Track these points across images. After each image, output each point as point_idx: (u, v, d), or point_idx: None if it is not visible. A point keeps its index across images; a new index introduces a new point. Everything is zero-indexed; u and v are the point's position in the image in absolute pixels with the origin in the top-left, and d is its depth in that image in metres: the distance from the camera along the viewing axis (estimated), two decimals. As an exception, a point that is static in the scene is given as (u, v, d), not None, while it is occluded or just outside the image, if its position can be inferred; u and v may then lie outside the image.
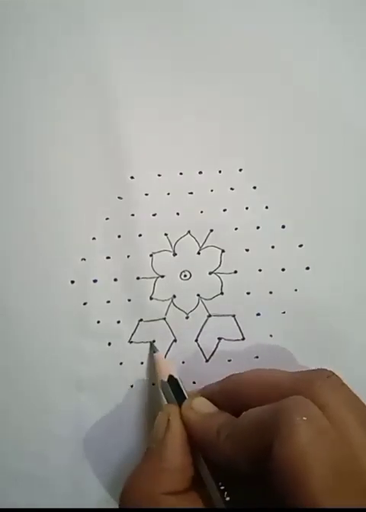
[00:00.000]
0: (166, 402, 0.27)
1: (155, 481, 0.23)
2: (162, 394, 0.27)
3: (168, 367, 0.28)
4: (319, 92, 0.33)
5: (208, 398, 0.26)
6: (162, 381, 0.27)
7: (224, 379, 0.26)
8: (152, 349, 0.30)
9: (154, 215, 0.32)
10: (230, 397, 0.25)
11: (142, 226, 0.32)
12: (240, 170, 0.32)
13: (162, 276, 0.31)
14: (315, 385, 0.22)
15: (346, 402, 0.22)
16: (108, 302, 0.31)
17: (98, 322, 0.31)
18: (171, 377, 0.27)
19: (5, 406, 0.30)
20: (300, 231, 0.31)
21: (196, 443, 0.24)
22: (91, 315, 0.31)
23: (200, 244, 0.31)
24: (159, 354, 0.29)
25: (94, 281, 0.32)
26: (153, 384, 0.30)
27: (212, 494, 0.23)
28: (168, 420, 0.25)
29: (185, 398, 0.26)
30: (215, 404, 0.25)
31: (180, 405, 0.26)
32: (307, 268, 0.30)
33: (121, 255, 0.32)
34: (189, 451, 0.24)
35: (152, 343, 0.30)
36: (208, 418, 0.24)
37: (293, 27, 0.34)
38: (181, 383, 0.27)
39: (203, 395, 0.26)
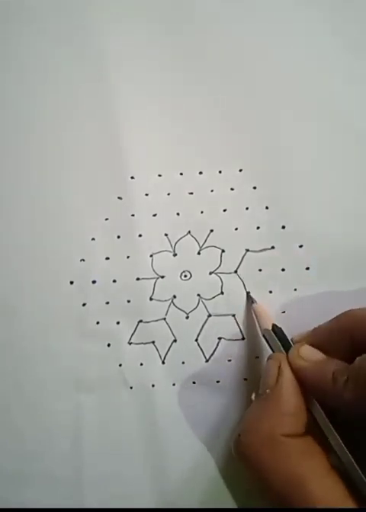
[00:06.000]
0: (271, 351, 0.27)
1: (276, 423, 0.23)
2: (266, 343, 0.28)
3: (270, 317, 0.28)
4: (319, 92, 0.33)
5: (313, 345, 0.26)
6: (265, 329, 0.28)
7: (338, 316, 0.26)
8: (250, 300, 0.30)
9: (154, 215, 0.32)
10: (342, 336, 0.25)
11: (142, 226, 0.32)
12: (240, 170, 0.32)
13: (162, 277, 0.31)
14: None
15: None
16: (107, 303, 0.31)
17: (98, 323, 0.31)
18: (274, 326, 0.27)
19: (4, 406, 0.30)
20: (300, 231, 0.31)
21: (309, 390, 0.24)
22: (91, 316, 0.31)
23: (201, 245, 0.31)
24: (259, 305, 0.29)
25: (94, 282, 0.31)
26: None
27: (330, 437, 0.23)
28: (279, 366, 0.25)
29: (290, 345, 0.26)
30: (321, 350, 0.25)
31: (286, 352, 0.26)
32: (307, 268, 0.30)
33: (121, 256, 0.32)
34: (302, 396, 0.24)
35: (248, 294, 0.30)
36: (320, 365, 0.24)
37: (293, 27, 0.34)
38: (284, 332, 0.27)
39: (308, 342, 0.26)
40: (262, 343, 0.29)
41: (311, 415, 0.24)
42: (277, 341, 0.27)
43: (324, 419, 0.24)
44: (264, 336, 0.28)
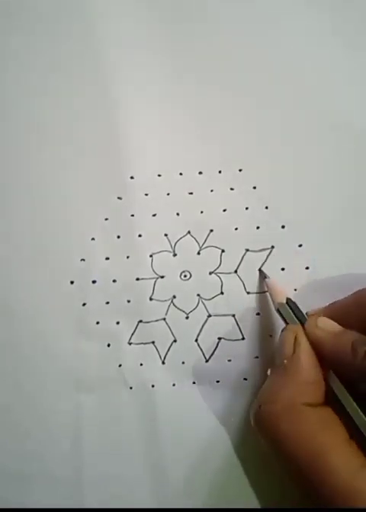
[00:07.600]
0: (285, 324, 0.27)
1: (296, 392, 0.23)
2: (280, 316, 0.27)
3: (284, 291, 0.28)
4: (319, 92, 0.33)
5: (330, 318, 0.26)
6: (280, 303, 0.27)
7: (355, 292, 0.26)
8: (263, 275, 0.30)
9: (154, 215, 0.32)
10: (359, 311, 0.25)
11: (142, 227, 0.32)
12: (240, 170, 0.32)
13: (162, 277, 0.31)
14: None
15: None
16: (107, 303, 0.31)
17: (97, 323, 0.31)
18: (289, 299, 0.27)
19: (5, 406, 0.30)
20: (300, 231, 0.31)
21: (327, 361, 0.24)
22: (90, 316, 0.31)
23: (200, 245, 0.31)
24: (272, 280, 0.29)
25: (94, 282, 0.31)
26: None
27: (348, 407, 0.23)
28: (296, 337, 0.25)
29: (305, 319, 0.26)
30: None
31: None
32: (307, 268, 0.30)
33: (121, 256, 0.32)
34: (319, 367, 0.24)
35: (260, 270, 0.30)
36: (339, 336, 0.24)
37: (293, 27, 0.34)
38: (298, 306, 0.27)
39: (324, 315, 0.26)
40: (262, 343, 0.30)
41: (328, 388, 0.24)
42: (292, 314, 0.27)
43: (342, 389, 0.24)
44: (278, 310, 0.28)
